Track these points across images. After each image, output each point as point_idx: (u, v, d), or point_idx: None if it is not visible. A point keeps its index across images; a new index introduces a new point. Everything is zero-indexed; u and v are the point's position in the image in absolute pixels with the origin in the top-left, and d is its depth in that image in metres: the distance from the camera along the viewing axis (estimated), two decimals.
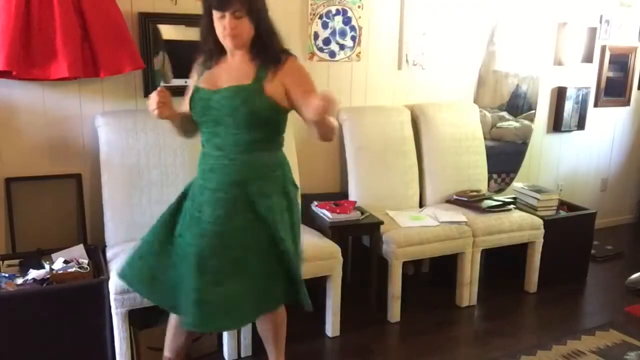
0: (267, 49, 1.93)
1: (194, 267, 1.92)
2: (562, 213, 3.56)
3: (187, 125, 2.10)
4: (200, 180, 2.02)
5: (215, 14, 1.88)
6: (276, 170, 2.01)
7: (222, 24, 1.88)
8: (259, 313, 2.10)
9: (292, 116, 2.06)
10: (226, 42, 1.92)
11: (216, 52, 1.99)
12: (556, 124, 4.13)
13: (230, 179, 1.94)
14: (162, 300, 2.07)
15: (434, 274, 3.66)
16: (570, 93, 4.07)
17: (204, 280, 1.91)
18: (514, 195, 3.57)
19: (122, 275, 2.11)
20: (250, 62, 1.94)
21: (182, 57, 2.77)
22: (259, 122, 1.92)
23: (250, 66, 1.93)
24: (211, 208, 1.95)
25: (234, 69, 1.96)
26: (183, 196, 2.09)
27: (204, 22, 1.96)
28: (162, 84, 2.81)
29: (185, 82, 2.77)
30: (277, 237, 1.96)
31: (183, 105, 2.07)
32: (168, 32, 2.79)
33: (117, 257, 2.43)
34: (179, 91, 2.82)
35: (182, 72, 2.78)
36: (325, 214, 2.90)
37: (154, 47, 2.76)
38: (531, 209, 3.44)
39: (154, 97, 1.89)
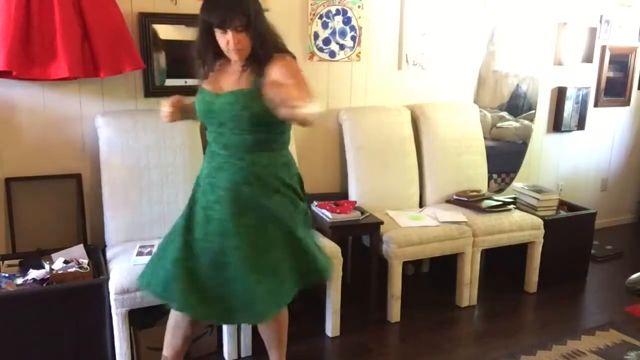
0: (261, 51, 1.96)
1: (212, 265, 1.96)
2: (562, 213, 3.56)
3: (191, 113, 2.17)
4: (209, 178, 2.04)
5: (217, 31, 1.91)
6: (281, 168, 2.05)
7: (225, 40, 1.91)
8: (275, 311, 2.08)
9: None
10: (231, 56, 1.95)
11: (216, 59, 2.02)
12: (556, 124, 4.13)
13: (239, 177, 1.98)
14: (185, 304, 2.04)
15: (434, 274, 3.66)
16: (570, 93, 4.07)
17: (223, 276, 1.95)
18: (514, 195, 3.57)
19: (145, 284, 2.11)
20: (248, 66, 1.97)
21: (182, 57, 2.79)
22: (260, 124, 1.95)
23: (248, 70, 1.96)
24: (222, 206, 1.98)
25: (233, 74, 2.00)
26: (193, 202, 2.10)
27: (201, 37, 1.97)
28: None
29: (186, 82, 2.82)
30: (287, 230, 2.01)
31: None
32: (168, 32, 2.79)
33: (117, 257, 2.43)
34: (175, 92, 2.84)
35: (181, 72, 2.80)
36: (325, 214, 2.90)
37: (154, 47, 2.76)
38: (531, 209, 3.44)
39: (166, 106, 2.04)
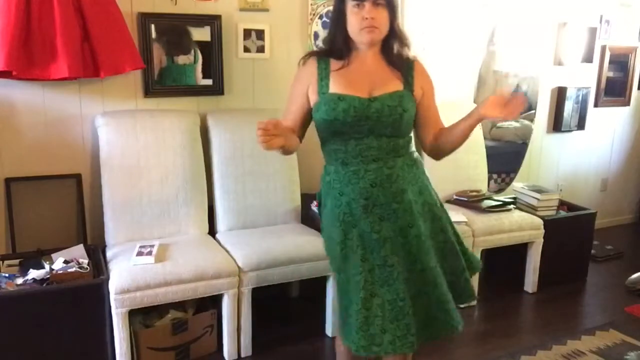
0: (394, 41, 1.85)
1: (434, 284, 1.91)
2: (562, 213, 3.56)
3: (293, 141, 1.85)
4: (361, 201, 1.81)
5: (352, 6, 1.75)
6: (419, 167, 1.99)
7: (360, 15, 1.74)
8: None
9: None
10: (362, 36, 1.77)
11: (346, 52, 1.83)
12: (556, 124, 4.13)
13: (397, 187, 1.83)
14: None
15: None
16: (570, 93, 4.07)
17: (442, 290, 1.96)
18: (514, 195, 3.57)
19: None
20: (388, 64, 1.85)
21: None
22: (411, 126, 1.91)
23: (392, 69, 1.85)
24: (390, 222, 1.82)
25: (374, 72, 1.83)
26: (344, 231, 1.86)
27: (333, 18, 1.85)
28: None
29: None
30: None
31: (289, 119, 1.89)
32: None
33: (117, 257, 2.43)
34: (175, 92, 2.85)
35: None
36: None
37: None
38: (531, 209, 3.43)
39: (262, 130, 1.57)
